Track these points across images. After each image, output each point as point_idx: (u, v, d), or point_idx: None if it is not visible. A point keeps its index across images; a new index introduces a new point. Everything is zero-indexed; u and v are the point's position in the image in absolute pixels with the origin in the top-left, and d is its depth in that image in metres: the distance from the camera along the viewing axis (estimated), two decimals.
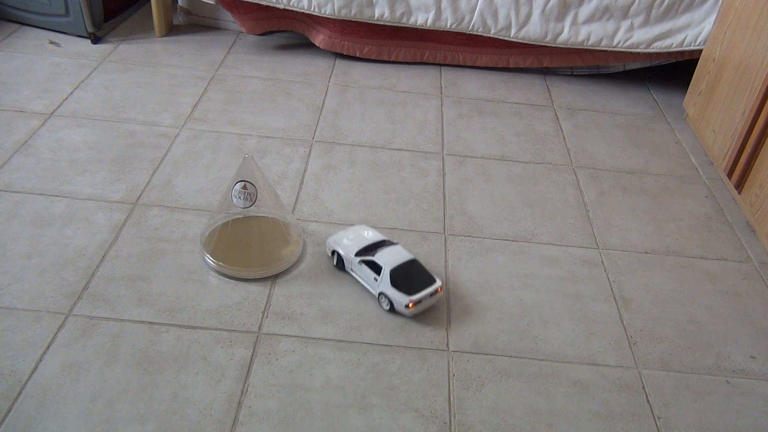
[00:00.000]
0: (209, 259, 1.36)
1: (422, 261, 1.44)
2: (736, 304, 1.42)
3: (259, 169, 1.35)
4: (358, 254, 1.34)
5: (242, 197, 1.34)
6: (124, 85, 1.98)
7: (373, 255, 1.32)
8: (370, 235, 1.40)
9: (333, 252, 1.39)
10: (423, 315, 1.31)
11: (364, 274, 1.33)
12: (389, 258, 1.31)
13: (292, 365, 1.19)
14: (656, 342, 1.31)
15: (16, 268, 1.33)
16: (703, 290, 1.45)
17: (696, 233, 1.61)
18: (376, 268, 1.31)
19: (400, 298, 1.27)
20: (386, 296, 1.29)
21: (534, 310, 1.35)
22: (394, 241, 1.38)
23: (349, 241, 1.38)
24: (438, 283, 1.30)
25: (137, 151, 1.70)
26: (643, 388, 1.22)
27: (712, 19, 2.01)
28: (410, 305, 1.27)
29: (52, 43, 2.16)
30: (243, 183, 1.33)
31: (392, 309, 1.30)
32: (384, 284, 1.29)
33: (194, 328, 1.24)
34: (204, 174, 1.64)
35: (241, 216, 1.39)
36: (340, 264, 1.38)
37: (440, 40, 2.20)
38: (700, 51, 2.06)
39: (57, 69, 2.03)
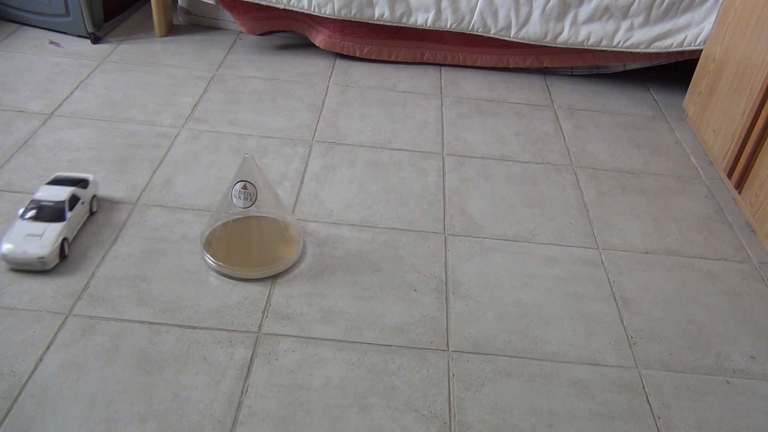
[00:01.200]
0: (209, 259, 1.36)
1: (420, 261, 1.44)
2: (736, 304, 1.42)
3: (259, 169, 1.35)
4: (58, 218, 1.34)
5: (242, 197, 1.34)
6: (124, 85, 1.98)
7: (64, 203, 1.36)
8: (18, 225, 1.34)
9: (60, 248, 1.34)
10: (423, 315, 1.31)
11: (79, 213, 1.39)
12: (59, 192, 1.38)
13: (292, 365, 1.19)
14: (656, 342, 1.31)
15: None
16: (703, 290, 1.45)
17: (696, 233, 1.61)
18: (76, 199, 1.39)
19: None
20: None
21: (534, 310, 1.35)
22: (30, 202, 1.38)
23: (38, 233, 1.32)
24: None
25: (137, 151, 1.70)
26: (643, 388, 1.22)
27: (712, 19, 2.01)
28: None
29: (52, 43, 2.16)
30: (243, 183, 1.33)
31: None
32: (86, 193, 1.42)
33: (194, 328, 1.24)
34: (204, 174, 1.64)
35: (241, 216, 1.39)
36: (65, 251, 1.35)
37: (440, 40, 2.20)
38: (700, 51, 2.06)
39: (57, 69, 2.03)
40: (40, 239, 1.31)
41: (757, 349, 1.32)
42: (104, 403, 1.09)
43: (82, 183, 1.44)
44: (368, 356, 1.22)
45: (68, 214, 1.36)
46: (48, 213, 1.35)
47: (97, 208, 1.46)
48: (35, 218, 1.34)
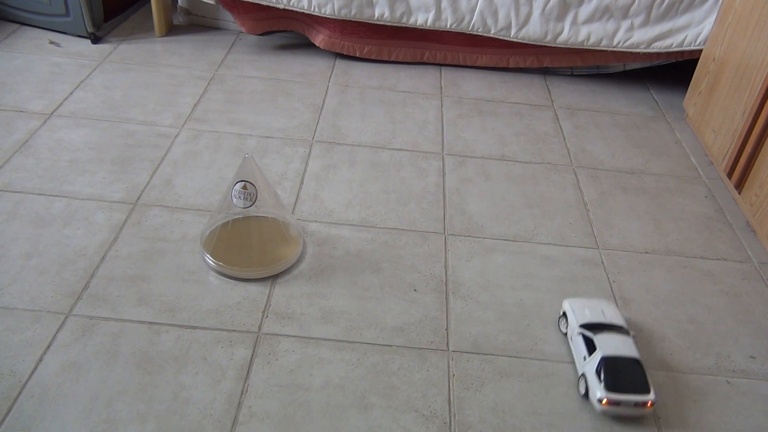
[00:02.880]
0: (209, 259, 1.36)
1: (420, 261, 1.44)
2: (736, 304, 1.42)
3: (259, 169, 1.35)
4: (582, 325, 1.23)
5: (242, 197, 1.34)
6: (124, 85, 1.98)
7: (595, 333, 1.20)
8: (609, 314, 1.25)
9: (563, 313, 1.29)
10: (423, 315, 1.31)
11: (576, 346, 1.23)
12: (610, 344, 1.18)
13: (292, 365, 1.19)
14: (656, 342, 1.31)
15: (16, 268, 1.33)
16: (703, 290, 1.45)
17: (696, 233, 1.61)
18: (591, 347, 1.19)
19: (596, 388, 1.13)
20: (585, 379, 1.16)
21: (534, 310, 1.35)
22: (630, 332, 1.23)
23: (585, 311, 1.26)
24: (651, 396, 1.13)
25: (137, 151, 1.70)
26: None
27: (712, 19, 2.01)
28: (604, 401, 1.12)
29: (52, 43, 2.16)
30: (243, 183, 1.33)
31: (587, 395, 1.17)
32: (590, 367, 1.16)
33: (194, 328, 1.24)
34: (204, 174, 1.64)
35: (241, 216, 1.39)
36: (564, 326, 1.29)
37: (440, 40, 2.20)
38: (700, 51, 2.06)
39: (57, 69, 2.03)
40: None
41: (757, 349, 1.32)
42: (104, 403, 1.09)
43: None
44: (368, 356, 1.22)
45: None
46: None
47: (584, 391, 1.18)
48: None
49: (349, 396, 1.14)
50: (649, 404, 1.13)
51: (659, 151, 1.92)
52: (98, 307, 1.26)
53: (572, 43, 2.11)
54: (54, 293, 1.28)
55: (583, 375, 1.18)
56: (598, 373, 1.14)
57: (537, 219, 1.60)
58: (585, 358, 1.19)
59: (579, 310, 1.26)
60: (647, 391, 1.13)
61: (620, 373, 1.14)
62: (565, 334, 1.29)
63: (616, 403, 1.12)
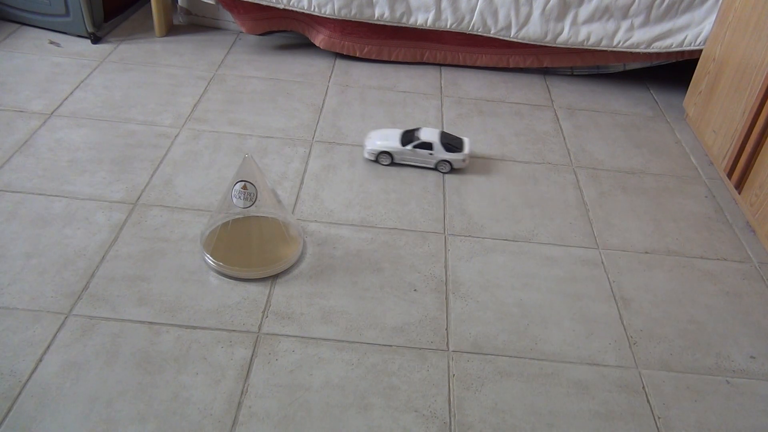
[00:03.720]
0: (209, 259, 1.36)
1: (420, 261, 1.44)
2: (736, 304, 1.42)
3: (259, 169, 1.35)
4: (405, 144, 1.69)
5: (242, 197, 1.34)
6: (124, 85, 1.98)
7: (419, 139, 1.68)
8: (391, 132, 1.74)
9: (379, 154, 1.70)
10: (423, 315, 1.31)
11: (419, 155, 1.69)
12: (431, 135, 1.69)
13: (292, 365, 1.19)
14: (656, 342, 1.31)
15: (16, 268, 1.33)
16: (703, 290, 1.45)
17: (696, 233, 1.61)
18: (428, 146, 1.68)
19: (457, 157, 1.69)
20: (446, 161, 1.68)
21: (534, 310, 1.35)
22: (413, 127, 1.78)
23: (386, 141, 1.71)
24: (467, 140, 1.73)
25: (137, 151, 1.70)
26: (643, 388, 1.22)
27: (712, 19, 2.01)
28: (466, 159, 1.70)
29: (52, 43, 2.16)
30: (243, 183, 1.33)
31: (451, 169, 1.70)
32: (440, 153, 1.68)
33: (194, 328, 1.24)
34: (204, 174, 1.64)
35: (241, 216, 1.39)
36: (386, 160, 1.71)
37: (440, 40, 2.20)
38: (700, 51, 2.06)
39: (57, 69, 2.03)
40: (378, 142, 1.72)
41: (757, 349, 1.32)
42: (104, 403, 1.09)
43: (452, 148, 1.71)
44: (368, 356, 1.22)
45: (408, 147, 1.69)
46: (407, 135, 1.73)
47: (447, 169, 1.71)
48: (403, 134, 1.74)
49: (349, 396, 1.14)
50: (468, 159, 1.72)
51: (659, 151, 1.92)
52: (98, 307, 1.26)
53: (572, 43, 2.12)
54: (54, 293, 1.28)
55: (441, 161, 1.69)
56: (448, 150, 1.69)
57: (537, 219, 1.60)
58: (431, 154, 1.69)
59: (388, 143, 1.71)
60: (464, 140, 1.73)
61: (452, 142, 1.71)
62: (382, 163, 1.72)
63: (470, 157, 1.75)
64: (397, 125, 1.91)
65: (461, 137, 1.73)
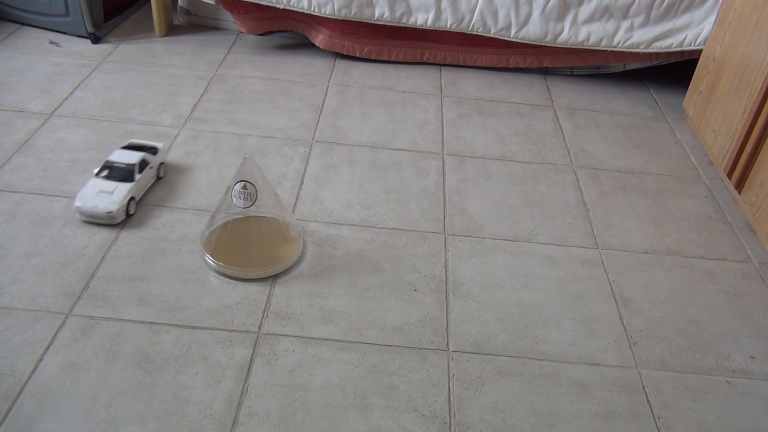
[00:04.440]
0: (209, 259, 1.36)
1: (420, 261, 1.44)
2: (736, 304, 1.42)
3: (259, 169, 1.35)
4: (128, 179, 1.48)
5: (242, 197, 1.34)
6: (124, 85, 1.98)
7: (133, 166, 1.50)
8: (93, 182, 1.48)
9: (128, 205, 1.46)
10: (423, 315, 1.31)
11: (147, 177, 1.53)
12: (130, 156, 1.52)
13: (292, 365, 1.19)
14: (656, 342, 1.31)
15: (16, 268, 1.33)
16: (703, 290, 1.45)
17: (696, 233, 1.61)
18: (145, 163, 1.53)
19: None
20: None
21: (534, 310, 1.35)
22: (105, 162, 1.53)
23: (110, 191, 1.46)
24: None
25: None
26: (643, 388, 1.22)
27: (712, 19, 2.01)
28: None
29: (52, 43, 2.16)
30: (243, 183, 1.33)
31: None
32: (155, 159, 1.56)
33: (194, 328, 1.24)
34: (204, 174, 1.64)
35: (241, 216, 1.39)
36: (130, 209, 1.48)
37: (440, 40, 2.20)
38: (700, 51, 2.06)
39: (57, 69, 2.03)
40: (110, 196, 1.45)
41: (757, 349, 1.32)
42: (104, 403, 1.09)
43: (152, 150, 1.58)
44: (368, 356, 1.22)
45: (137, 176, 1.50)
46: (119, 173, 1.49)
47: (164, 174, 1.59)
48: (107, 177, 1.49)
49: (349, 396, 1.14)
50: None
51: (659, 151, 1.92)
52: (98, 307, 1.26)
53: (572, 43, 2.12)
54: (54, 293, 1.28)
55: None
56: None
57: (537, 219, 1.60)
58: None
59: (107, 188, 1.47)
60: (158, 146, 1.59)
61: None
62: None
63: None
64: (397, 125, 1.91)
65: (129, 141, 1.60)
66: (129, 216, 1.47)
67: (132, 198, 1.47)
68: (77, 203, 1.44)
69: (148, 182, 1.55)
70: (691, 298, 1.42)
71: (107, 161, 1.52)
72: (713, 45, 1.93)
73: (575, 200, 1.68)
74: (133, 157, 1.52)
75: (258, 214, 1.39)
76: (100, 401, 1.10)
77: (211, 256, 1.36)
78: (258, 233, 1.39)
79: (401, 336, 1.27)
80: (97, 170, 1.51)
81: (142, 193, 1.53)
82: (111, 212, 1.43)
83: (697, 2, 2.02)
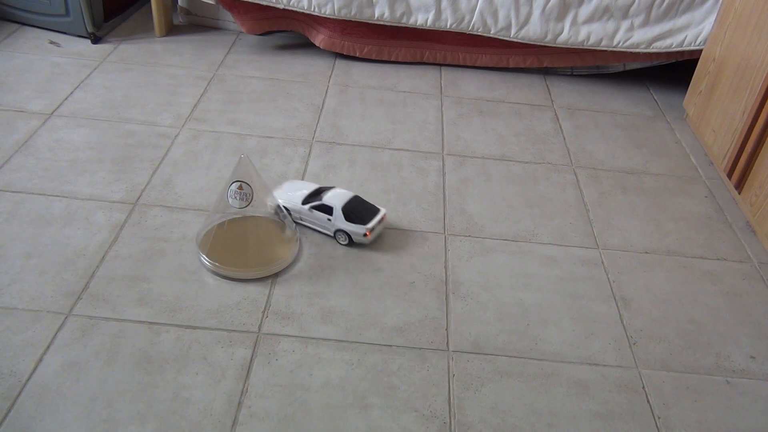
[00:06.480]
0: (205, 260, 1.36)
1: (420, 261, 1.44)
2: (736, 304, 1.42)
3: (255, 169, 1.35)
4: (305, 203, 1.46)
5: (238, 197, 1.34)
6: (124, 85, 1.98)
7: (320, 200, 1.45)
8: (305, 185, 1.52)
9: (283, 207, 1.47)
10: (423, 315, 1.31)
11: (316, 218, 1.46)
12: (336, 199, 1.45)
13: (292, 365, 1.19)
14: (656, 342, 1.31)
15: (16, 268, 1.33)
16: (703, 290, 1.45)
17: (696, 233, 1.61)
18: (328, 210, 1.44)
19: (357, 230, 1.42)
20: (343, 231, 1.43)
21: (534, 310, 1.35)
22: (329, 186, 1.52)
23: (291, 194, 1.49)
24: (383, 211, 1.47)
25: (137, 151, 1.70)
26: (643, 388, 1.22)
27: (712, 19, 2.01)
28: (367, 233, 1.42)
29: (52, 43, 2.16)
30: (239, 183, 1.33)
31: (350, 242, 1.44)
32: (339, 221, 1.43)
33: (194, 328, 1.24)
34: (204, 174, 1.64)
35: (236, 216, 1.39)
36: (281, 214, 1.45)
37: (440, 40, 2.20)
38: (700, 51, 2.06)
39: (57, 69, 2.03)
40: (287, 194, 1.49)
41: (757, 349, 1.32)
42: (104, 403, 1.09)
43: (355, 218, 1.44)
44: (368, 356, 1.22)
45: (306, 207, 1.46)
46: (314, 194, 1.48)
47: (346, 241, 1.45)
48: (316, 190, 1.50)
49: (349, 396, 1.14)
50: (384, 217, 1.47)
51: (659, 151, 1.92)
52: (98, 307, 1.26)
53: (572, 43, 2.12)
54: (54, 293, 1.28)
55: (338, 230, 1.43)
56: (348, 219, 1.42)
57: (537, 219, 1.60)
58: (329, 220, 1.43)
59: (290, 197, 1.48)
60: (379, 210, 1.46)
61: (358, 210, 1.44)
62: (298, 222, 1.49)
63: (372, 229, 1.43)
64: (397, 125, 1.91)
65: (378, 207, 1.48)
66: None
67: (288, 209, 1.47)
68: (289, 183, 1.52)
69: (315, 223, 1.47)
70: (691, 298, 1.42)
71: (334, 187, 1.49)
72: (713, 45, 1.93)
73: (575, 200, 1.68)
74: (331, 199, 1.45)
75: (254, 215, 1.39)
76: (100, 401, 1.10)
77: (207, 256, 1.36)
78: (254, 233, 1.39)
79: (401, 336, 1.27)
80: (328, 185, 1.51)
81: (303, 223, 1.48)
82: (277, 198, 1.46)
83: (697, 2, 2.02)
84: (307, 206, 1.45)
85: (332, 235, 1.46)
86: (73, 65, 2.06)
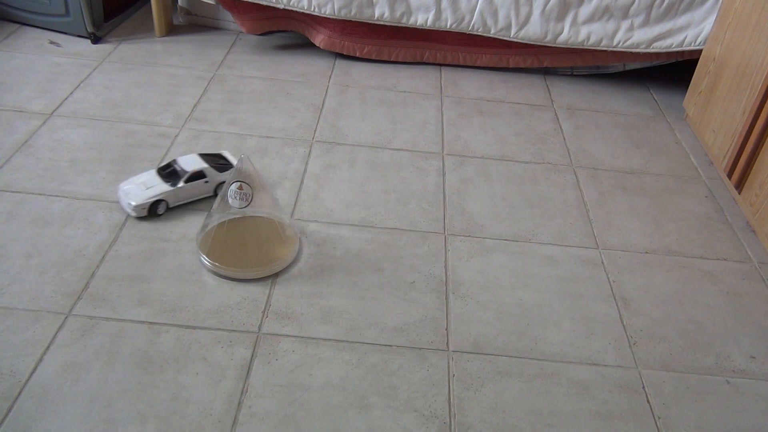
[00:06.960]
0: (205, 260, 1.36)
1: (420, 261, 1.44)
2: (736, 304, 1.42)
3: (255, 169, 1.35)
4: (174, 182, 1.48)
5: (238, 197, 1.34)
6: (124, 85, 1.98)
7: (186, 172, 1.49)
8: (139, 177, 1.50)
9: (152, 205, 1.46)
10: (423, 315, 1.31)
11: (195, 188, 1.50)
12: (191, 164, 1.50)
13: (292, 365, 1.19)
14: (656, 342, 1.31)
15: (16, 268, 1.33)
16: (703, 290, 1.45)
17: (696, 233, 1.61)
18: (200, 175, 1.50)
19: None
20: (223, 182, 1.48)
21: (534, 310, 1.35)
22: (163, 163, 1.56)
23: (147, 188, 1.47)
24: (225, 152, 1.59)
25: (137, 151, 1.70)
26: (643, 388, 1.22)
27: (712, 19, 2.01)
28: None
29: (52, 43, 2.16)
30: (239, 183, 1.33)
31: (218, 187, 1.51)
32: (215, 176, 1.51)
33: (194, 328, 1.24)
34: None
35: (236, 216, 1.39)
36: (163, 209, 1.48)
37: (440, 40, 2.20)
38: (700, 51, 2.06)
39: (57, 69, 2.03)
40: (146, 191, 1.46)
41: (757, 349, 1.32)
42: (104, 403, 1.09)
43: (223, 167, 1.54)
44: (368, 356, 1.22)
45: (180, 184, 1.48)
46: (170, 174, 1.50)
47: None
48: (160, 173, 1.50)
49: (349, 396, 1.14)
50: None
51: (659, 151, 1.92)
52: (98, 307, 1.26)
53: (572, 43, 2.12)
54: (54, 293, 1.28)
55: (221, 182, 1.51)
56: (222, 170, 1.53)
57: (537, 219, 1.60)
58: (207, 182, 1.50)
59: (153, 188, 1.47)
60: (221, 155, 1.55)
61: (216, 160, 1.54)
62: (156, 214, 1.48)
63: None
64: (397, 125, 1.91)
65: (219, 152, 1.58)
66: (156, 215, 1.47)
67: (162, 201, 1.46)
68: (124, 186, 1.47)
69: (195, 194, 1.52)
70: (691, 298, 1.42)
71: (173, 159, 1.53)
72: (713, 45, 1.93)
73: (575, 200, 1.68)
74: (193, 165, 1.50)
75: (254, 215, 1.39)
76: (100, 401, 1.10)
77: (207, 256, 1.36)
78: (254, 233, 1.39)
79: (401, 336, 1.27)
80: (161, 164, 1.54)
81: (183, 201, 1.51)
82: (131, 204, 1.44)
83: (697, 2, 2.02)
84: (181, 183, 1.47)
85: (212, 193, 1.53)
86: (73, 65, 2.06)
